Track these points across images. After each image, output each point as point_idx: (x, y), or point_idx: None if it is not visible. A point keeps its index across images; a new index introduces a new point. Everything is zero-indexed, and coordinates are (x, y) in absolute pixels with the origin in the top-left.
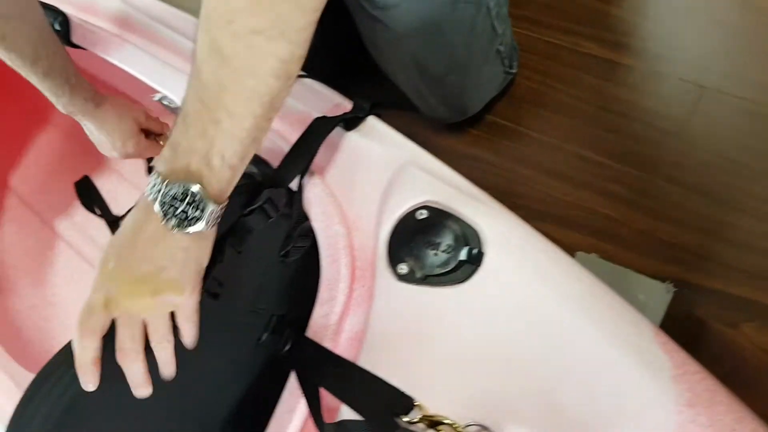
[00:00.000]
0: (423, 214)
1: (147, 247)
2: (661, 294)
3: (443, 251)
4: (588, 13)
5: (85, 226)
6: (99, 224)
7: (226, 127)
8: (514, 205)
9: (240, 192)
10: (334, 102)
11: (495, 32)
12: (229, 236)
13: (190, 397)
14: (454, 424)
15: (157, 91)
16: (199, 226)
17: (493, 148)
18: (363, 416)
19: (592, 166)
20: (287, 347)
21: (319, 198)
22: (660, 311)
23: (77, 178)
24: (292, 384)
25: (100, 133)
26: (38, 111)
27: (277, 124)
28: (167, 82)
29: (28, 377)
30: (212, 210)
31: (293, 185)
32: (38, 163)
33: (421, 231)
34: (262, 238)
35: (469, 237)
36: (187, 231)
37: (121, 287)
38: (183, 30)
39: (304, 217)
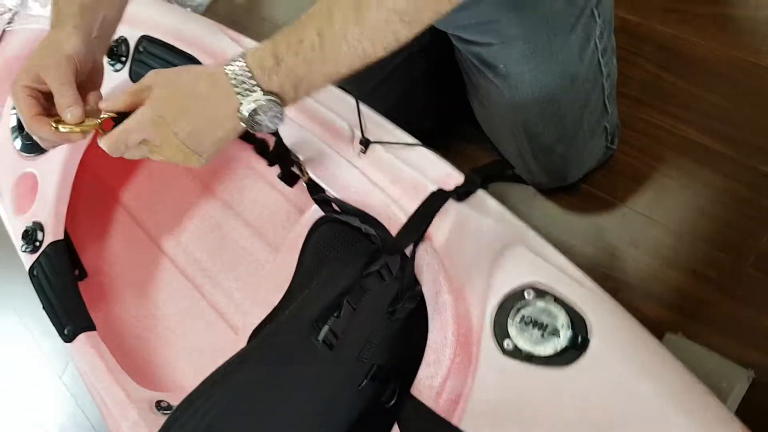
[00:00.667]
0: (530, 294)
1: (208, 121)
2: (741, 380)
3: (550, 333)
4: (688, 98)
5: (191, 248)
6: (204, 246)
7: (327, 71)
8: (603, 276)
9: (361, 254)
10: (446, 172)
11: (605, 110)
12: (347, 294)
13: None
14: None
15: None
16: (261, 131)
17: (585, 216)
18: None
19: (683, 246)
20: (392, 402)
21: (430, 266)
22: (738, 396)
23: (184, 201)
24: None
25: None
26: None
27: (393, 190)
28: None
29: (129, 383)
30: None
31: (407, 250)
32: (149, 181)
33: (528, 310)
34: (373, 296)
35: (575, 323)
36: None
37: (166, 143)
38: None
39: (415, 282)
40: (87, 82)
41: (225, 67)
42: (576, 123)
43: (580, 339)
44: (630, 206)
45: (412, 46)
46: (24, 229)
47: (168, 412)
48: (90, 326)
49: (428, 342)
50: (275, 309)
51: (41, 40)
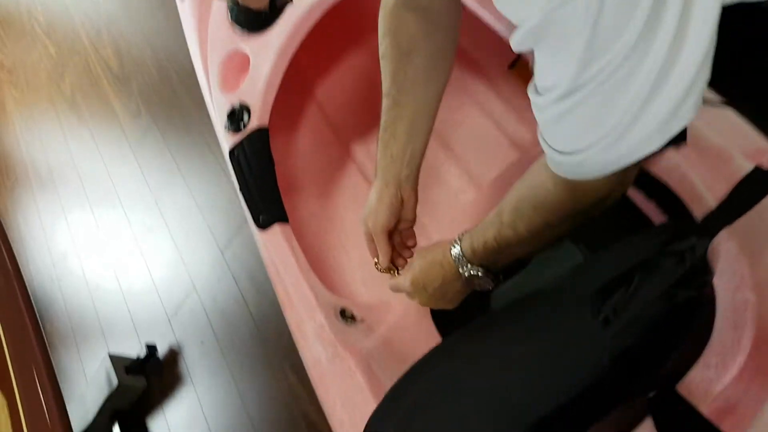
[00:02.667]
0: None
1: (440, 282)
2: None
3: None
4: None
5: None
6: None
7: (516, 253)
8: None
9: (662, 231)
10: (756, 145)
11: None
12: (640, 270)
13: (519, 390)
14: None
15: None
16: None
17: None
18: None
19: None
20: (651, 394)
21: (730, 256)
22: None
23: (375, 108)
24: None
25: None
26: (357, 30)
27: (693, 156)
28: None
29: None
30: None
31: None
32: (344, 82)
33: None
34: (659, 277)
35: None
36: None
37: (417, 291)
38: None
39: (707, 270)
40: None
41: (451, 250)
42: None
43: None
44: None
45: None
46: (230, 107)
47: (352, 322)
48: (284, 218)
49: (711, 341)
50: None
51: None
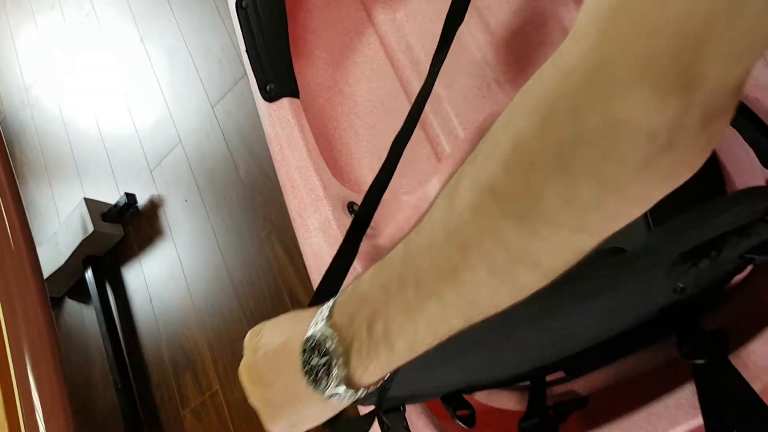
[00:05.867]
0: None
1: (280, 357)
2: None
3: None
4: None
5: (406, 30)
6: (424, 33)
7: (428, 312)
8: None
9: (762, 194)
10: None
11: None
12: (737, 233)
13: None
14: None
15: None
16: (330, 397)
17: None
18: None
19: None
20: (701, 361)
21: None
22: None
23: None
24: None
25: None
26: None
27: None
28: None
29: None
30: (338, 380)
31: None
32: None
33: None
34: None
35: None
36: (313, 390)
37: (245, 366)
38: None
39: None
40: None
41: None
42: None
43: None
44: None
45: None
46: None
47: None
48: (295, 92)
49: None
50: None
51: None
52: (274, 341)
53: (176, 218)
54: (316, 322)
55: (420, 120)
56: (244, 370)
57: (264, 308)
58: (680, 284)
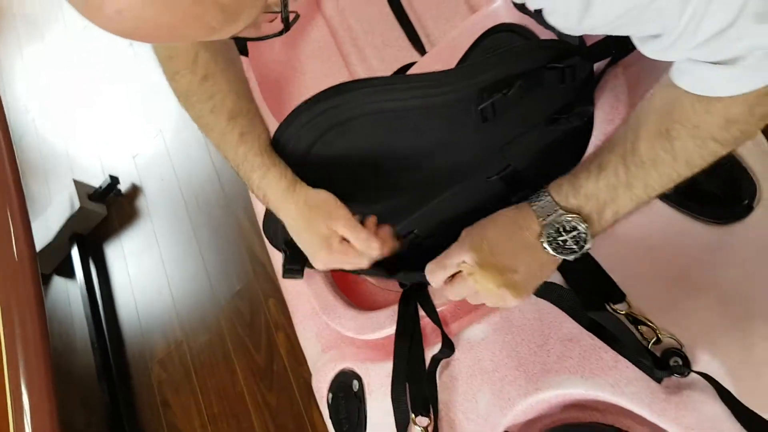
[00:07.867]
0: None
1: (518, 249)
2: None
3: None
4: None
5: (347, 14)
6: (361, 16)
7: (636, 193)
8: None
9: (550, 46)
10: None
11: None
12: (524, 77)
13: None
14: (654, 326)
15: None
16: (569, 257)
17: None
18: (578, 293)
19: None
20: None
21: (614, 91)
22: None
23: None
24: None
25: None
26: None
27: None
28: None
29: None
30: (588, 249)
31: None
32: None
33: None
34: (543, 95)
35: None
36: (556, 256)
37: (483, 265)
38: None
39: (591, 101)
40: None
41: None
42: None
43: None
44: None
45: None
46: None
47: None
48: (244, 51)
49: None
50: None
51: (302, 205)
52: (506, 244)
53: (154, 198)
54: (544, 217)
55: None
56: (488, 271)
57: (228, 269)
58: (477, 110)
